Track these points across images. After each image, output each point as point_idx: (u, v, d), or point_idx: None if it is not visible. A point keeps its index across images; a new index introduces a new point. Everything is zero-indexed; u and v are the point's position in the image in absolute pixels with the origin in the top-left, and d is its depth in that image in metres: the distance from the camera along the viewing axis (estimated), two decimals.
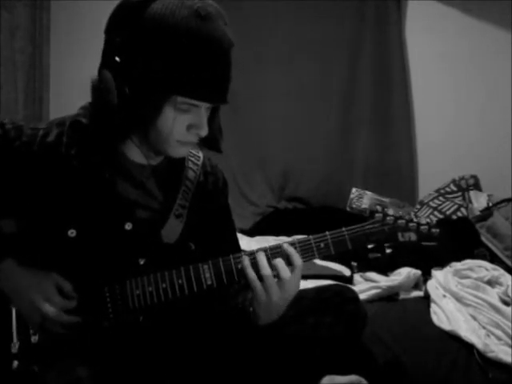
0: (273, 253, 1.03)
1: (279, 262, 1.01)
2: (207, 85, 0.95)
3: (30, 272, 1.00)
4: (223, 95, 1.00)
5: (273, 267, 1.01)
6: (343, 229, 1.04)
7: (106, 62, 0.98)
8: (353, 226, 1.05)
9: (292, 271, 1.01)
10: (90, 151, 1.03)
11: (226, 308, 1.15)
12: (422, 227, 1.05)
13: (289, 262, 1.01)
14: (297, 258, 1.02)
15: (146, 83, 0.94)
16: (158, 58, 0.93)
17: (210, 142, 1.09)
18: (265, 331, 1.08)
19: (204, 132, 1.00)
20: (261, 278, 1.00)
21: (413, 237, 1.06)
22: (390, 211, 1.06)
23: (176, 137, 1.00)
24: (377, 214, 1.05)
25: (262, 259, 1.01)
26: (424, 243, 1.06)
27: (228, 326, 1.14)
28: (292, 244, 1.03)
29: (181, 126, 0.98)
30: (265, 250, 1.03)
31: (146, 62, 0.93)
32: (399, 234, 1.05)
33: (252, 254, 1.03)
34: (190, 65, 0.93)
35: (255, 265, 1.01)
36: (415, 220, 1.05)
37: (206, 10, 0.94)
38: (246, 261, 1.01)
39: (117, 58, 0.96)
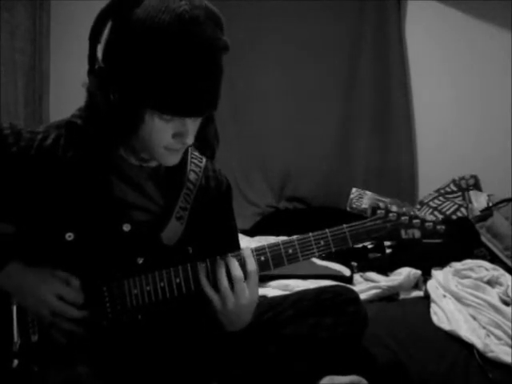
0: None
1: (232, 263, 0.99)
2: (186, 99, 0.91)
3: (37, 270, 0.99)
4: (205, 106, 0.95)
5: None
6: (343, 226, 1.03)
7: (92, 68, 0.97)
8: (353, 223, 1.02)
9: (246, 276, 0.98)
10: (86, 153, 1.02)
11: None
12: (427, 224, 1.02)
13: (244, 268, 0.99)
14: (251, 262, 0.99)
15: (125, 93, 0.92)
16: (135, 68, 0.90)
17: (204, 148, 1.07)
18: (235, 338, 1.06)
19: (189, 141, 0.97)
20: (216, 287, 0.99)
21: (417, 234, 1.02)
22: (393, 208, 1.03)
23: (162, 143, 0.97)
24: (379, 211, 1.02)
25: (220, 267, 0.99)
26: (427, 241, 1.03)
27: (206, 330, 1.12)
28: (291, 241, 1.02)
29: (165, 134, 0.96)
30: (221, 256, 1.01)
31: (124, 71, 0.91)
32: (402, 231, 1.02)
33: (205, 262, 1.01)
34: (167, 77, 0.89)
35: (213, 272, 1.00)
36: (420, 216, 1.02)
37: (192, 13, 0.88)
38: (202, 271, 1.00)
39: (99, 65, 0.95)
